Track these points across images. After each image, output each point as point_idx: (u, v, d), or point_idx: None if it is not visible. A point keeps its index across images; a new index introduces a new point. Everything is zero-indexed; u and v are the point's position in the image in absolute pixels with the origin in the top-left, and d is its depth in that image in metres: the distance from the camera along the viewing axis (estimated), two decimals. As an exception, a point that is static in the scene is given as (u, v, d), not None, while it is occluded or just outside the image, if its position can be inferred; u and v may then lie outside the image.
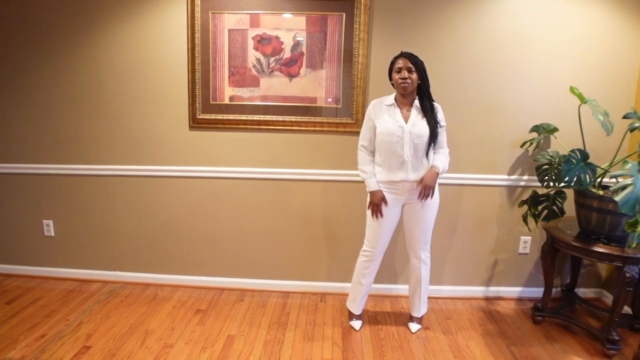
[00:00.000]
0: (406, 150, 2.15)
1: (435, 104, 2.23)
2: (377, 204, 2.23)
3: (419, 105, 2.19)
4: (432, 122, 2.16)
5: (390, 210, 2.26)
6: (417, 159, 2.17)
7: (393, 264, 2.80)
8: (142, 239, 2.90)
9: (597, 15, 2.51)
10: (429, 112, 2.17)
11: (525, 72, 2.57)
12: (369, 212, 2.29)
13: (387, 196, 2.24)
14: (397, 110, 2.20)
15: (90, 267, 2.97)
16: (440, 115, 2.23)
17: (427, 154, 2.18)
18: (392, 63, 2.19)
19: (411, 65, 2.12)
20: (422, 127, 2.15)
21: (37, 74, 2.73)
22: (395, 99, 2.23)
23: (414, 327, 2.44)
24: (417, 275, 2.37)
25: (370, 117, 2.26)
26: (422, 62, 2.16)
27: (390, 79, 2.21)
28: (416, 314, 2.45)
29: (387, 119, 2.19)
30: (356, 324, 2.45)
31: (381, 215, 2.24)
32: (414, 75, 2.13)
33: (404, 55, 2.15)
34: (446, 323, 2.53)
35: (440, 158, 2.22)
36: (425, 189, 2.17)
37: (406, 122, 2.16)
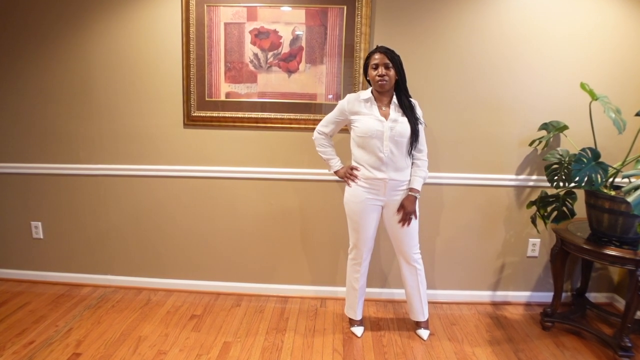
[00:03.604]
0: (385, 147, 2.16)
1: (412, 100, 2.24)
2: (346, 174, 2.27)
3: (397, 102, 2.19)
4: (413, 119, 2.17)
5: (370, 211, 2.27)
6: (398, 157, 2.19)
7: (396, 268, 2.80)
8: (134, 242, 2.90)
9: (609, 8, 2.51)
10: (408, 110, 2.18)
11: (534, 67, 2.57)
12: (348, 214, 2.32)
13: (366, 196, 2.24)
14: (375, 106, 2.20)
15: (80, 270, 2.97)
16: (419, 112, 2.24)
17: (409, 152, 2.21)
18: (368, 58, 2.18)
19: (388, 61, 2.12)
20: (403, 125, 2.16)
21: (25, 70, 2.73)
22: (372, 94, 2.23)
23: (424, 333, 2.43)
24: (414, 279, 2.37)
25: (344, 112, 2.26)
26: (399, 57, 2.16)
27: (366, 75, 2.22)
28: (422, 318, 2.45)
29: (366, 115, 2.19)
30: (357, 330, 2.46)
31: (357, 177, 2.25)
32: (392, 72, 2.13)
33: (381, 50, 2.14)
34: (451, 329, 2.53)
35: (419, 174, 2.25)
36: (406, 215, 2.23)
37: (386, 119, 2.17)
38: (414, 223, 2.28)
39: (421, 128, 2.23)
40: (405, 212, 2.23)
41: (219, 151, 2.74)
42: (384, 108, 2.20)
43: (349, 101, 2.25)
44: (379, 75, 2.12)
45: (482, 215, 2.75)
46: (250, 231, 2.82)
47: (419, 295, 2.39)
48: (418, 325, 2.47)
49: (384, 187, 2.22)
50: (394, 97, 2.20)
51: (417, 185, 2.24)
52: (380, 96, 2.21)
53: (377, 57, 2.13)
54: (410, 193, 2.24)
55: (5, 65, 2.74)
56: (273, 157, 2.72)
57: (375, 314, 2.67)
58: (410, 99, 2.23)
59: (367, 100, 2.21)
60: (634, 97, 2.58)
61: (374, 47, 2.54)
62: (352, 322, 2.50)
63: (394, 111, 2.18)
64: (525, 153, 2.68)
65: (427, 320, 2.47)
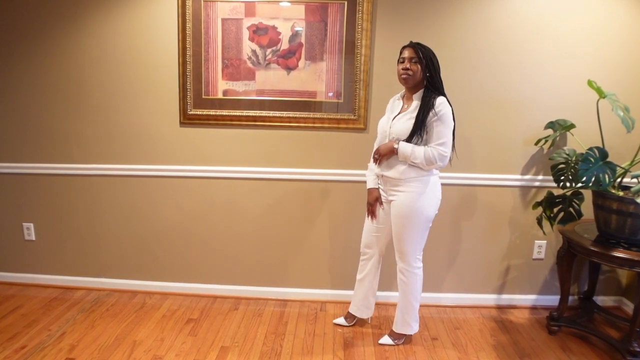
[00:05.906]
0: None
1: (439, 97, 2.12)
2: (370, 203, 2.35)
3: (419, 98, 2.16)
4: (420, 117, 2.10)
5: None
6: (394, 155, 2.19)
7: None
8: (129, 244, 2.90)
9: (617, 3, 2.50)
10: (425, 107, 2.10)
11: (540, 64, 2.57)
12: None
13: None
14: (400, 103, 2.26)
15: (73, 273, 2.97)
16: (440, 110, 2.08)
17: None
18: (400, 54, 2.21)
19: (414, 56, 2.12)
20: (403, 123, 2.17)
21: (18, 67, 2.73)
22: (403, 93, 2.28)
23: (382, 338, 2.40)
24: (399, 285, 2.34)
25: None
26: (431, 53, 2.15)
27: None
28: (392, 327, 2.42)
29: (387, 112, 2.32)
30: (337, 319, 2.56)
31: (374, 216, 2.35)
32: (417, 67, 2.12)
33: (410, 45, 2.17)
34: (455, 333, 2.52)
35: (418, 147, 2.12)
36: (374, 153, 2.26)
37: (393, 119, 2.23)
38: (403, 229, 2.20)
39: (438, 124, 2.09)
40: (375, 150, 2.25)
41: (216, 150, 2.73)
42: (406, 105, 2.24)
43: (389, 101, 2.36)
44: (402, 69, 2.14)
45: (487, 217, 2.74)
46: (248, 232, 2.82)
47: (399, 306, 2.35)
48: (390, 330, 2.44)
49: (382, 183, 2.31)
50: (419, 93, 2.17)
51: (403, 144, 2.12)
52: (407, 93, 2.24)
53: (405, 52, 2.15)
54: (393, 142, 2.16)
55: (-3, 62, 2.75)
56: (272, 156, 2.72)
57: (377, 316, 2.67)
58: (438, 96, 2.12)
59: (397, 99, 2.29)
60: (642, 95, 2.58)
61: (375, 43, 2.56)
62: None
63: (413, 108, 2.17)
64: (531, 152, 2.67)
65: (401, 334, 2.39)
